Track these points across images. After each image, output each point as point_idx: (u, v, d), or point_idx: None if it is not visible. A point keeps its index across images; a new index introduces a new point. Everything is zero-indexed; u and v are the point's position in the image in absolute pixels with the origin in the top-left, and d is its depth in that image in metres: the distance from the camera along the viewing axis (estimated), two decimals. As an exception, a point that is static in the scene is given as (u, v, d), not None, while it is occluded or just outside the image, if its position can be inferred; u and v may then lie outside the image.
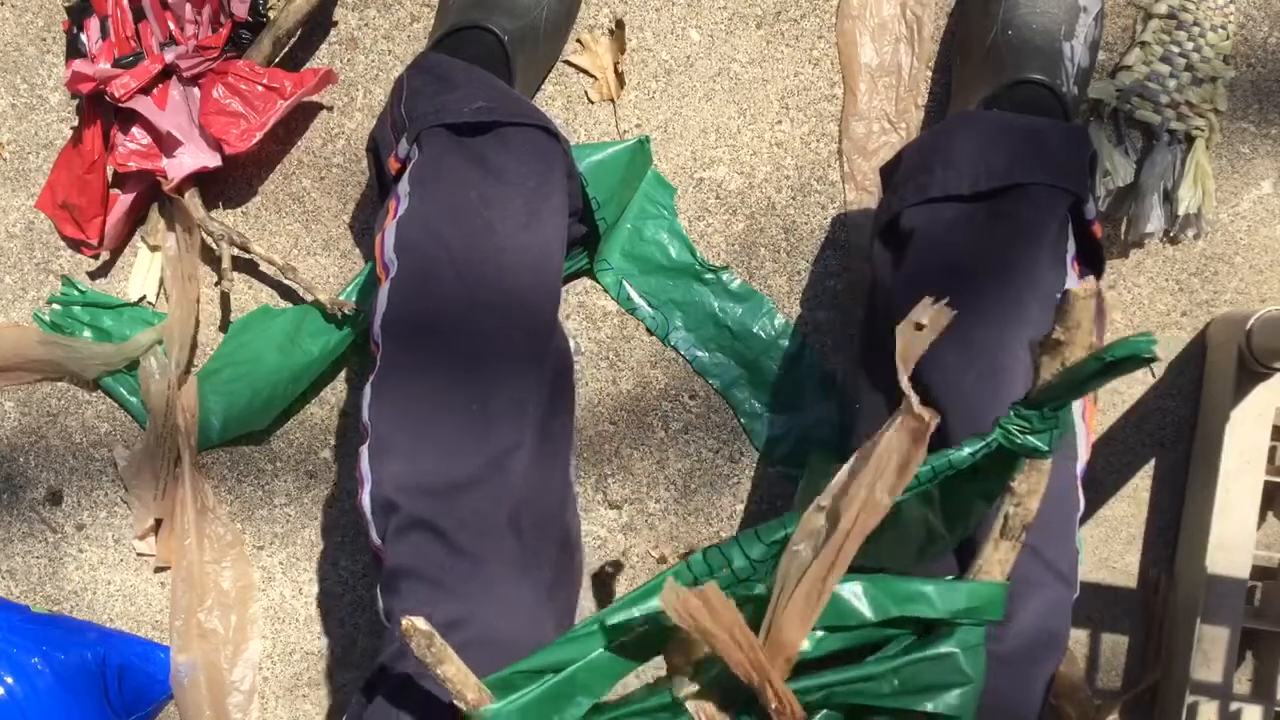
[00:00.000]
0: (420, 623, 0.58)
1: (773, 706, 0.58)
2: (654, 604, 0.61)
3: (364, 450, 0.80)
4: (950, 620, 0.61)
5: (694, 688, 0.61)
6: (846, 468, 0.59)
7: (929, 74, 1.09)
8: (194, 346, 1.10)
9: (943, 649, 0.60)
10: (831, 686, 0.60)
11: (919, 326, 0.58)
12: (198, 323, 1.10)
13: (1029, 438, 0.59)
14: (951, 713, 0.60)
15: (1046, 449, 0.61)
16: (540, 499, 0.82)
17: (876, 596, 0.61)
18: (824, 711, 0.60)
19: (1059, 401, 0.59)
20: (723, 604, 0.57)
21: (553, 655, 0.62)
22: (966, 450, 0.61)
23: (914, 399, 0.57)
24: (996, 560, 0.63)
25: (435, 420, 0.79)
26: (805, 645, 0.60)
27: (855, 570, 0.61)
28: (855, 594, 0.61)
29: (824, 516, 0.59)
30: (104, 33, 1.05)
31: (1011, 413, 0.60)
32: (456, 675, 0.59)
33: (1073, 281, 0.82)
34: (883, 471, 0.57)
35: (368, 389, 0.82)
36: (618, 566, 1.11)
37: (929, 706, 0.60)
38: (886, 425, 0.58)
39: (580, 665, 0.61)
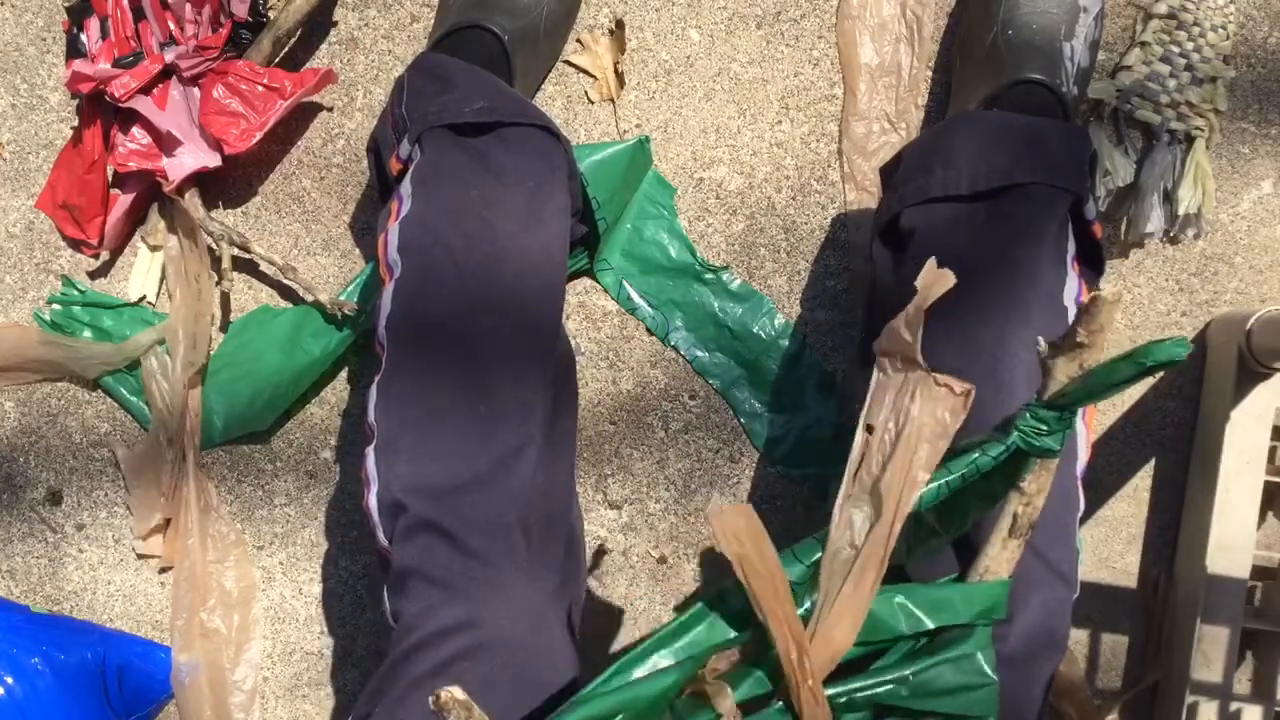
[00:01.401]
0: (458, 693, 0.55)
1: (807, 683, 0.57)
2: (685, 643, 0.60)
3: (370, 451, 0.80)
4: (968, 622, 0.60)
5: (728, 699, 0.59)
6: (857, 451, 0.58)
7: (929, 74, 1.09)
8: (209, 344, 1.10)
9: (963, 650, 0.60)
10: (852, 694, 0.59)
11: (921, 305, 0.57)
12: (213, 318, 1.10)
13: (1044, 439, 0.59)
14: (978, 713, 0.60)
15: (1059, 450, 0.60)
16: (547, 500, 0.82)
17: (909, 609, 0.60)
18: (846, 717, 0.59)
19: (1081, 403, 0.59)
20: (758, 528, 0.55)
21: (584, 711, 0.61)
22: (991, 454, 0.60)
23: (927, 368, 0.56)
24: (1004, 559, 0.63)
25: (442, 421, 0.79)
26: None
27: None
28: (888, 607, 0.61)
29: (856, 506, 0.58)
30: (104, 33, 1.05)
31: (1028, 414, 0.60)
32: None
33: (1073, 281, 0.82)
34: (916, 448, 0.57)
35: (373, 390, 0.82)
36: (618, 566, 1.11)
37: (948, 708, 0.59)
38: (889, 399, 0.57)
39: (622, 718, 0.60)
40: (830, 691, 0.59)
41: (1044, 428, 0.60)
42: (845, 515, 0.58)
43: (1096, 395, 0.58)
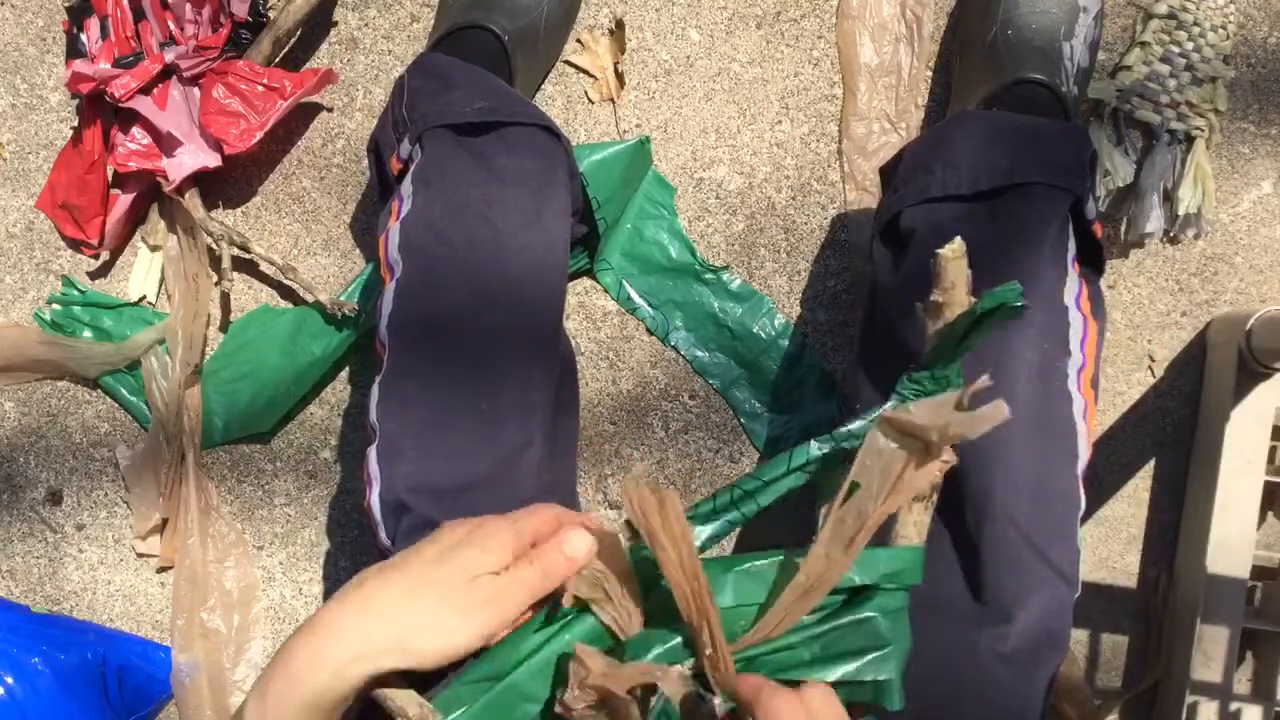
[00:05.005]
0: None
1: (706, 654, 0.57)
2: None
3: (372, 451, 0.80)
4: (872, 585, 0.61)
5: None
6: (840, 501, 0.59)
7: (929, 74, 1.09)
8: (204, 344, 1.10)
9: (862, 614, 0.60)
10: (752, 658, 0.59)
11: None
12: (209, 319, 1.10)
13: (924, 400, 0.60)
14: (870, 677, 0.59)
15: None
16: (550, 499, 0.82)
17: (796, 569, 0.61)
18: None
19: (945, 360, 0.60)
20: (677, 514, 0.57)
21: (493, 663, 0.61)
22: (872, 417, 0.61)
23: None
24: (912, 523, 0.63)
25: (444, 421, 0.79)
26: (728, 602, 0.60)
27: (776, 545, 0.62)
28: (775, 568, 0.61)
29: (830, 546, 0.59)
30: (104, 33, 1.05)
31: (905, 378, 0.61)
32: (395, 695, 0.58)
33: (1074, 281, 0.82)
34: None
35: (375, 390, 0.82)
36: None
37: (845, 671, 0.59)
38: (883, 467, 0.58)
39: (522, 671, 0.60)
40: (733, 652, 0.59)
41: (921, 388, 0.61)
42: (819, 553, 0.59)
43: (954, 349, 0.59)
